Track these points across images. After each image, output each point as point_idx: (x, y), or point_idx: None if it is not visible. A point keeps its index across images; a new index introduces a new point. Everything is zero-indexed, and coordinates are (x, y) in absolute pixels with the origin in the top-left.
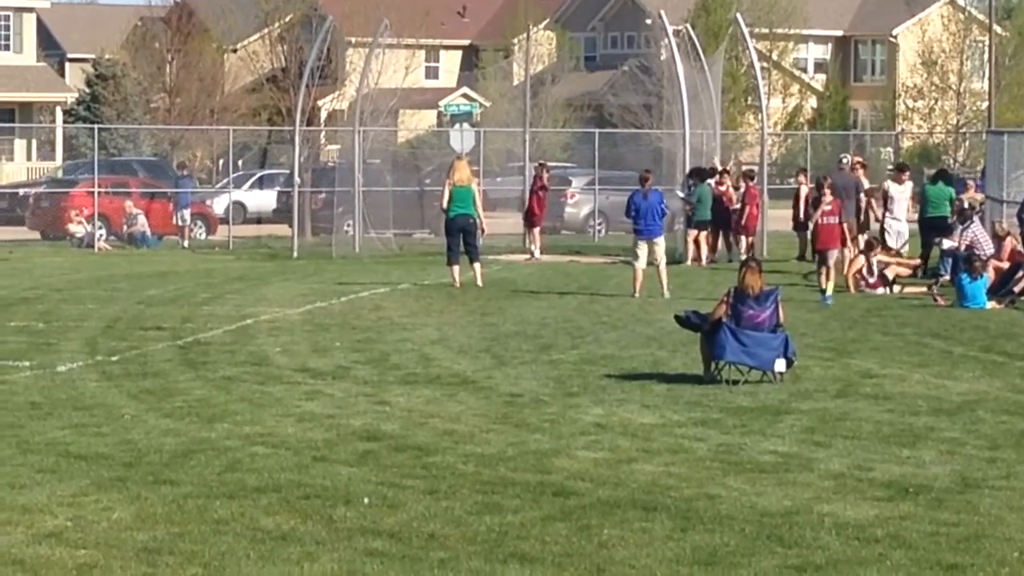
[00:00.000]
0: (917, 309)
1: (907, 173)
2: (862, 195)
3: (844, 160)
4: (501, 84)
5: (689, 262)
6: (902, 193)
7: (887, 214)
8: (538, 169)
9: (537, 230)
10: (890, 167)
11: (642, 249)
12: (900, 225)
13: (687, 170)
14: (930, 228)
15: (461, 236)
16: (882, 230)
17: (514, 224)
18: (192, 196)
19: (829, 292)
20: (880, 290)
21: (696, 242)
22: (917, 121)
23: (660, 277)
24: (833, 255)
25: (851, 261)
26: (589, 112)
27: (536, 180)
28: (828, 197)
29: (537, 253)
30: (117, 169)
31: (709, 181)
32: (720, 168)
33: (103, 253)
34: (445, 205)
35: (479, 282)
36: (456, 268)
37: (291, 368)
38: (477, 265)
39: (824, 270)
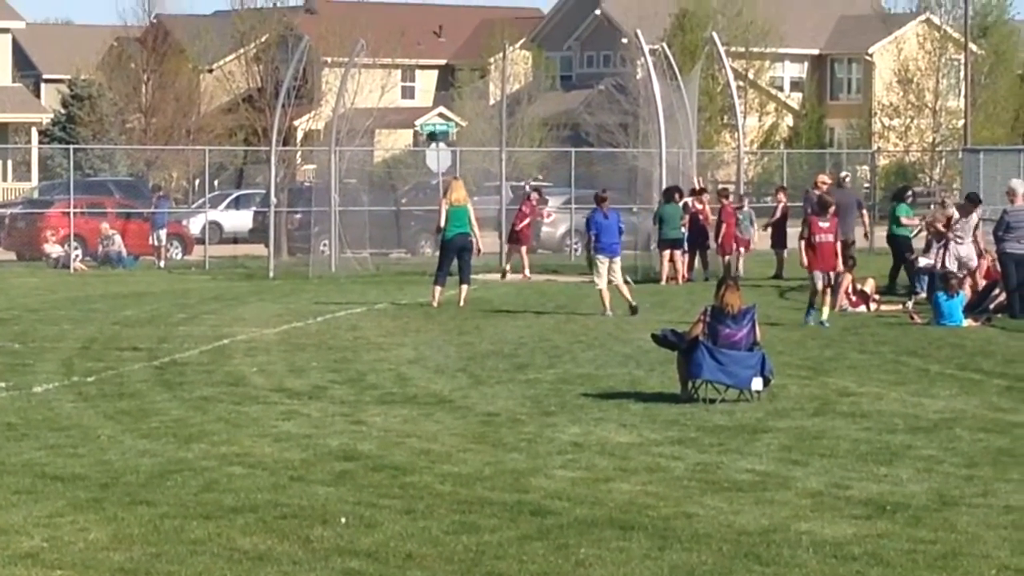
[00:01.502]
0: (894, 327)
1: (978, 206)
2: (864, 212)
3: (845, 176)
4: (477, 103)
5: (664, 281)
6: (968, 224)
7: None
8: (530, 191)
9: (525, 249)
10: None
11: (604, 266)
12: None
13: (663, 188)
14: (893, 246)
15: (455, 256)
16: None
17: (491, 243)
18: (168, 216)
19: (825, 316)
20: (861, 308)
21: (671, 260)
22: (893, 139)
23: (623, 293)
24: (830, 275)
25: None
26: (565, 131)
27: (526, 201)
28: (828, 214)
29: (527, 272)
30: (93, 189)
31: (686, 200)
32: (698, 187)
33: (79, 273)
34: (443, 224)
35: (462, 303)
36: (440, 289)
37: (268, 388)
38: (466, 287)
39: (820, 291)
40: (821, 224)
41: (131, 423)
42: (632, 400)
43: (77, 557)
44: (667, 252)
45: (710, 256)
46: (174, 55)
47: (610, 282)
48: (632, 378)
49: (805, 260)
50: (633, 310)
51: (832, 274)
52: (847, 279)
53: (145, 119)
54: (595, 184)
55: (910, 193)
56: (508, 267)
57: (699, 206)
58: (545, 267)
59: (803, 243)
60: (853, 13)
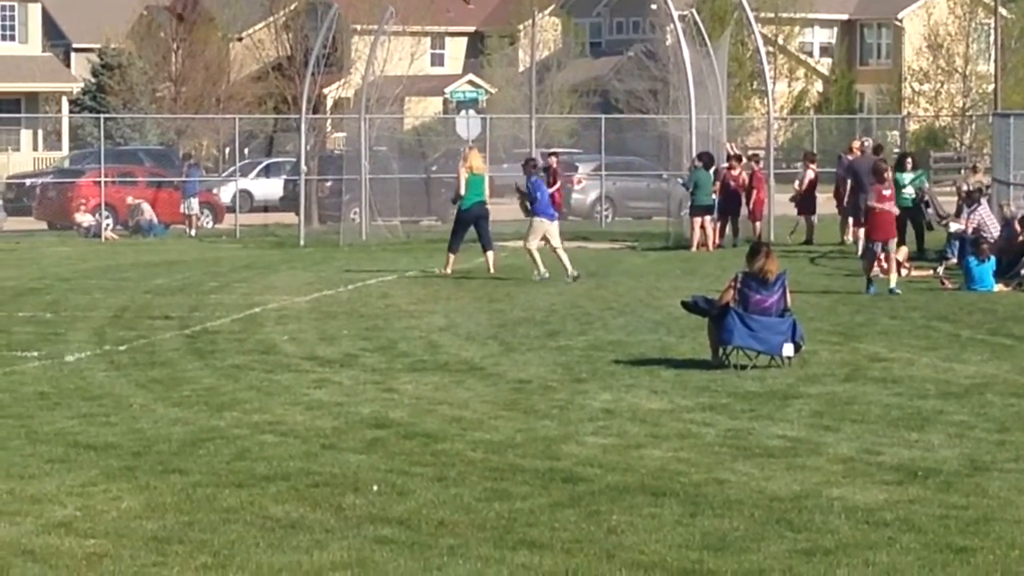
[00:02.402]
0: (924, 292)
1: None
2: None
3: (866, 143)
4: (507, 71)
5: (695, 247)
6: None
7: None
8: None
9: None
10: None
11: (542, 228)
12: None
13: (693, 155)
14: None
15: (472, 225)
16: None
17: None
18: (199, 185)
19: (894, 283)
20: (893, 275)
21: (702, 227)
22: (923, 104)
23: (561, 258)
24: (892, 245)
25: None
26: (595, 98)
27: (553, 170)
28: (888, 182)
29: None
30: (123, 158)
31: (718, 166)
32: (733, 153)
33: (110, 243)
34: (463, 192)
35: (492, 269)
36: (454, 256)
37: (299, 356)
38: (491, 253)
39: (881, 260)
40: (884, 192)
41: (163, 392)
42: (663, 367)
43: (110, 526)
44: (698, 219)
45: (740, 222)
46: (204, 24)
47: (553, 248)
48: (663, 344)
49: (872, 231)
50: (574, 278)
51: (893, 241)
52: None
53: (175, 88)
54: (625, 151)
55: (909, 160)
56: None
57: (733, 172)
58: (576, 234)
59: (867, 212)
60: None
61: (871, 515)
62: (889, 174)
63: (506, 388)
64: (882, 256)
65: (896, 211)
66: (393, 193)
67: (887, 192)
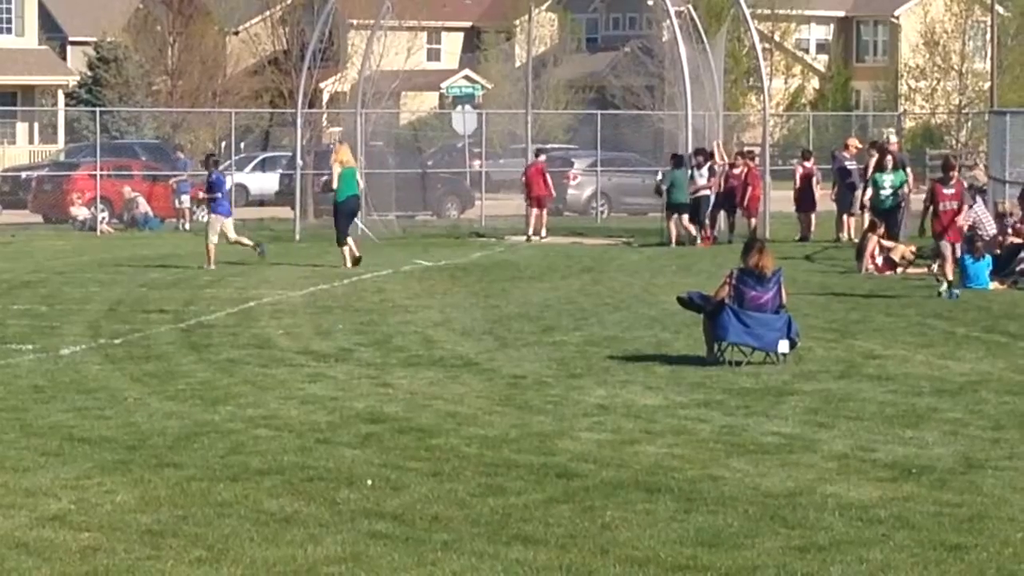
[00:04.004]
0: (920, 289)
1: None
2: (908, 169)
3: (891, 138)
4: (503, 66)
5: (673, 243)
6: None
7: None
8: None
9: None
10: None
11: (219, 223)
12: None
13: (690, 151)
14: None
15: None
16: None
17: (517, 206)
18: (193, 179)
19: (945, 287)
20: (888, 274)
21: (680, 224)
22: (919, 102)
23: (243, 243)
24: (957, 247)
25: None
26: (591, 94)
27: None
28: (953, 179)
29: (543, 233)
30: (119, 152)
31: (719, 163)
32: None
33: (105, 236)
34: (335, 186)
35: (349, 263)
36: (349, 248)
37: (294, 350)
38: (347, 248)
39: (945, 260)
40: (945, 191)
41: (158, 385)
42: (658, 363)
43: (104, 519)
44: (674, 216)
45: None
46: (200, 17)
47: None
48: (658, 340)
49: (936, 230)
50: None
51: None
52: (872, 241)
53: (171, 81)
54: (621, 147)
55: (889, 158)
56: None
57: (735, 171)
58: (571, 229)
59: (930, 211)
60: None
61: (865, 512)
62: (955, 172)
63: (501, 383)
64: (948, 256)
65: (956, 207)
66: (389, 188)
67: (948, 191)
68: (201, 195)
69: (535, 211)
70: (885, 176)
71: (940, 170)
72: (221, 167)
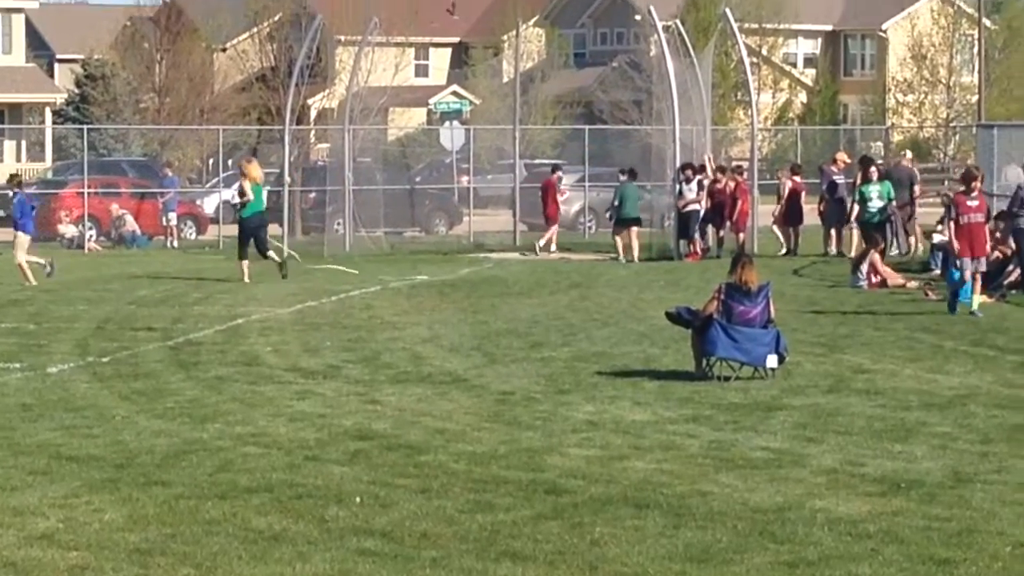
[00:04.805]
0: (908, 303)
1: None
2: (916, 187)
3: (907, 153)
4: (491, 81)
5: (622, 258)
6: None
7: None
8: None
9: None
10: None
11: (25, 241)
12: None
13: (677, 165)
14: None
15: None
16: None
17: (505, 221)
18: (181, 196)
19: (976, 305)
20: (977, 297)
21: (627, 240)
22: (907, 115)
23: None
24: (981, 263)
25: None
26: (579, 109)
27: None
28: (975, 190)
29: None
30: (107, 169)
31: (700, 177)
32: (713, 164)
33: (93, 254)
34: (251, 198)
35: (248, 279)
36: (248, 263)
37: (282, 368)
38: (272, 253)
39: (974, 279)
40: (969, 203)
41: (146, 403)
42: (646, 378)
43: (92, 538)
44: (623, 231)
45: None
46: (187, 34)
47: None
48: (646, 356)
49: (956, 246)
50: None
51: (983, 259)
52: (874, 256)
53: (159, 99)
54: (608, 162)
55: (874, 170)
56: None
57: (718, 186)
58: (559, 245)
59: (952, 226)
60: None
61: (854, 527)
62: (978, 183)
63: (489, 400)
64: (967, 275)
65: (981, 220)
66: (377, 204)
67: (972, 203)
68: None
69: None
70: (872, 188)
71: (961, 182)
72: (208, 184)
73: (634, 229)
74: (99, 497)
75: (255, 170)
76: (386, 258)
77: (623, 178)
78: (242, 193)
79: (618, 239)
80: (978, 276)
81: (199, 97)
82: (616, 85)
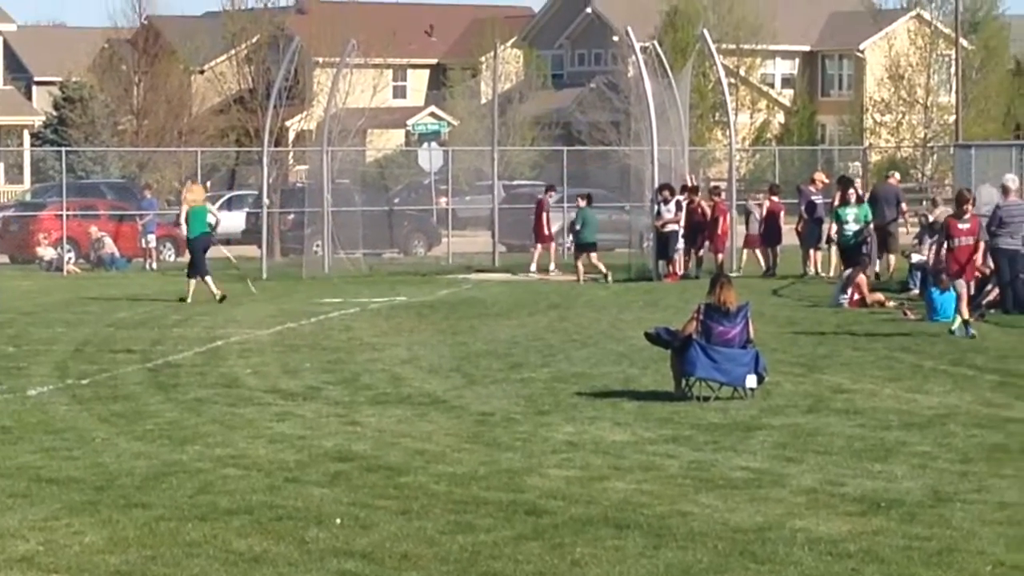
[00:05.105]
0: (887, 323)
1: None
2: (903, 205)
3: (895, 174)
4: (469, 103)
5: (581, 280)
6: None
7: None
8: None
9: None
10: None
11: None
12: None
13: (656, 186)
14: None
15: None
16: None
17: (484, 243)
18: (160, 218)
19: (957, 323)
20: (857, 309)
21: (588, 263)
22: (885, 135)
23: None
24: (968, 284)
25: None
26: (557, 130)
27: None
28: (967, 213)
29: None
30: (85, 192)
31: (678, 198)
32: (691, 184)
33: (72, 276)
34: (184, 222)
35: (189, 298)
36: (195, 281)
37: (262, 389)
38: (193, 281)
39: (986, 302)
40: (960, 226)
41: (125, 425)
42: (626, 398)
43: (72, 560)
44: (583, 255)
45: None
46: (165, 56)
47: None
48: (626, 376)
49: (952, 268)
50: None
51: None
52: (860, 277)
53: (137, 121)
54: (587, 182)
55: (852, 192)
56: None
57: (692, 205)
58: (538, 266)
59: (944, 249)
60: (844, 9)
61: (834, 546)
62: (969, 205)
63: (469, 420)
64: (963, 294)
65: (972, 242)
66: (356, 225)
67: (963, 226)
68: None
69: (551, 245)
70: (849, 210)
71: (954, 204)
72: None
73: (593, 255)
74: (79, 519)
75: (192, 194)
76: (365, 279)
77: (582, 203)
78: (177, 219)
79: (579, 264)
80: (964, 296)
81: (177, 119)
82: (594, 106)
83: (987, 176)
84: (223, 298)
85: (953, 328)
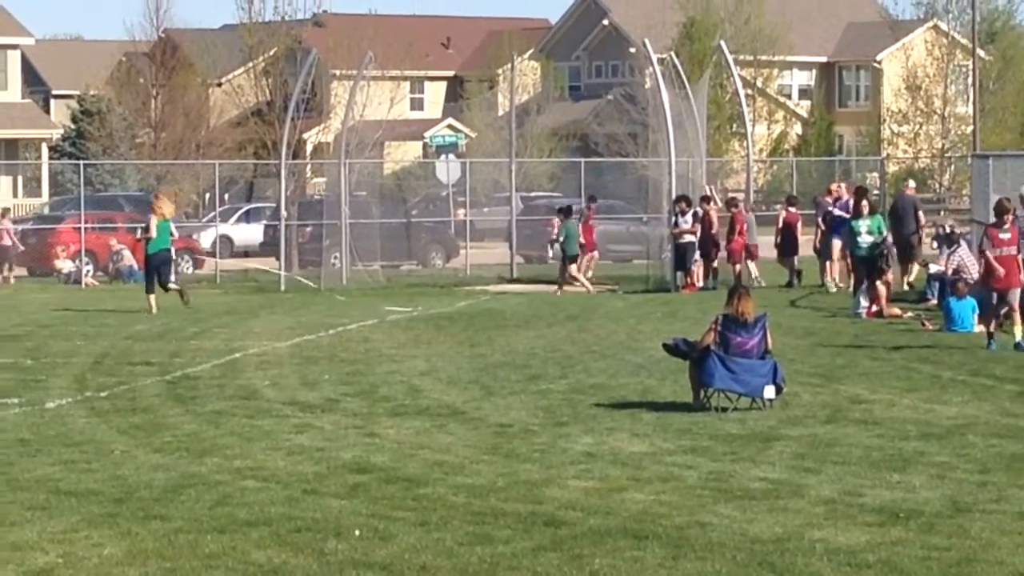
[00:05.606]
0: (905, 334)
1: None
2: (921, 214)
3: (911, 183)
4: (486, 114)
5: (560, 291)
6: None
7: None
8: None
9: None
10: None
11: None
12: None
13: (673, 197)
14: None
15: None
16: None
17: (502, 254)
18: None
19: (1020, 336)
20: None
21: (571, 273)
22: (902, 146)
23: None
24: (1016, 294)
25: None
26: (574, 141)
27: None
28: (1007, 222)
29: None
30: (103, 205)
31: (696, 209)
32: (707, 195)
33: (90, 289)
34: (153, 235)
35: (155, 309)
36: (156, 296)
37: (280, 401)
38: (152, 297)
39: (1003, 312)
40: (1001, 236)
41: (144, 438)
42: (644, 409)
43: (92, 573)
44: (571, 267)
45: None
46: (183, 69)
47: None
48: (644, 387)
49: (997, 280)
50: None
51: (1017, 290)
52: (880, 288)
53: (155, 134)
54: (605, 194)
55: (865, 203)
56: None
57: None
58: (555, 277)
59: (983, 259)
60: (861, 20)
61: (853, 557)
62: (1010, 215)
63: (488, 432)
64: (1002, 308)
65: (1015, 252)
66: (373, 238)
67: (1004, 236)
68: None
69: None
70: (862, 222)
71: (994, 215)
72: (205, 218)
73: (572, 266)
74: (98, 532)
75: (163, 206)
76: (383, 291)
77: (561, 217)
78: (146, 229)
79: (579, 275)
80: (1016, 306)
81: (195, 132)
82: (611, 117)
83: (1005, 187)
84: (156, 311)
85: (1019, 340)
